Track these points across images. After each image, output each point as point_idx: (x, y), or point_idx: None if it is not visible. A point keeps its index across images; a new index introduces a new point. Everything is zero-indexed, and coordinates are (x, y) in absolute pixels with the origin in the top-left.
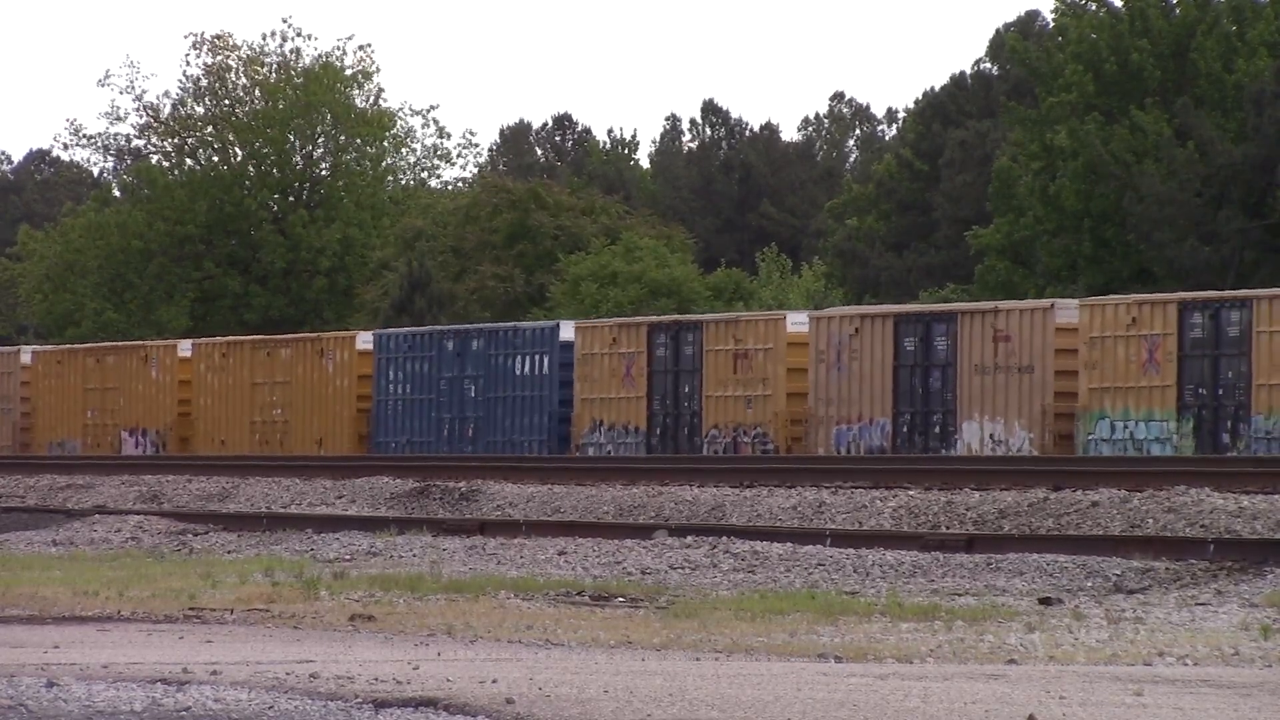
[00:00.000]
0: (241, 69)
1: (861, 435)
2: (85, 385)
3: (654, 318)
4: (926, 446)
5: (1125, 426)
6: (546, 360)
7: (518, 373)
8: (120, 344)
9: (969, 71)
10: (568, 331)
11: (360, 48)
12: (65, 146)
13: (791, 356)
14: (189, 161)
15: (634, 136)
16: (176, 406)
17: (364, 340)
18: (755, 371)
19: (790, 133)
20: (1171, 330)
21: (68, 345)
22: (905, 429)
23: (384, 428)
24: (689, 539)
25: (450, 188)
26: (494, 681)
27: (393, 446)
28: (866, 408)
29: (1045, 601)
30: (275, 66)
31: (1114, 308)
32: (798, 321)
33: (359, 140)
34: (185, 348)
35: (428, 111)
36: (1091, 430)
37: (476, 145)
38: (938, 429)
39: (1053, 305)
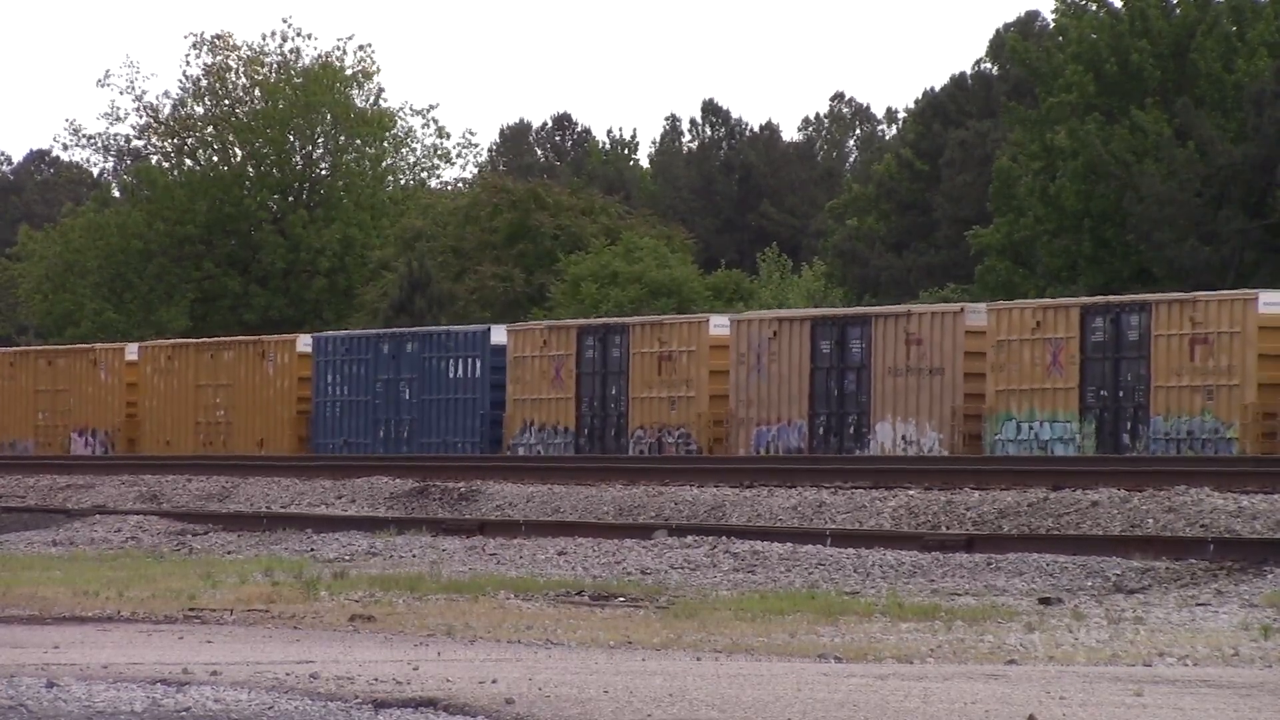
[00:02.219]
0: (241, 69)
1: (780, 436)
2: (37, 387)
3: (582, 320)
4: (841, 447)
5: (1030, 428)
6: (479, 363)
7: (451, 375)
8: (70, 346)
9: (969, 71)
10: (499, 335)
11: (360, 48)
12: (65, 147)
13: (714, 359)
14: (189, 162)
15: (634, 136)
16: (124, 408)
17: (303, 343)
18: (679, 373)
19: (790, 133)
20: (1074, 334)
21: (18, 348)
22: (821, 430)
23: (323, 429)
24: (689, 539)
25: (450, 188)
26: (494, 682)
27: (331, 447)
28: (785, 409)
29: (1045, 601)
30: (275, 66)
31: (1019, 312)
32: (719, 325)
33: (359, 140)
34: (132, 351)
35: (428, 111)
36: (998, 431)
37: (476, 145)
38: (852, 430)
39: (962, 309)
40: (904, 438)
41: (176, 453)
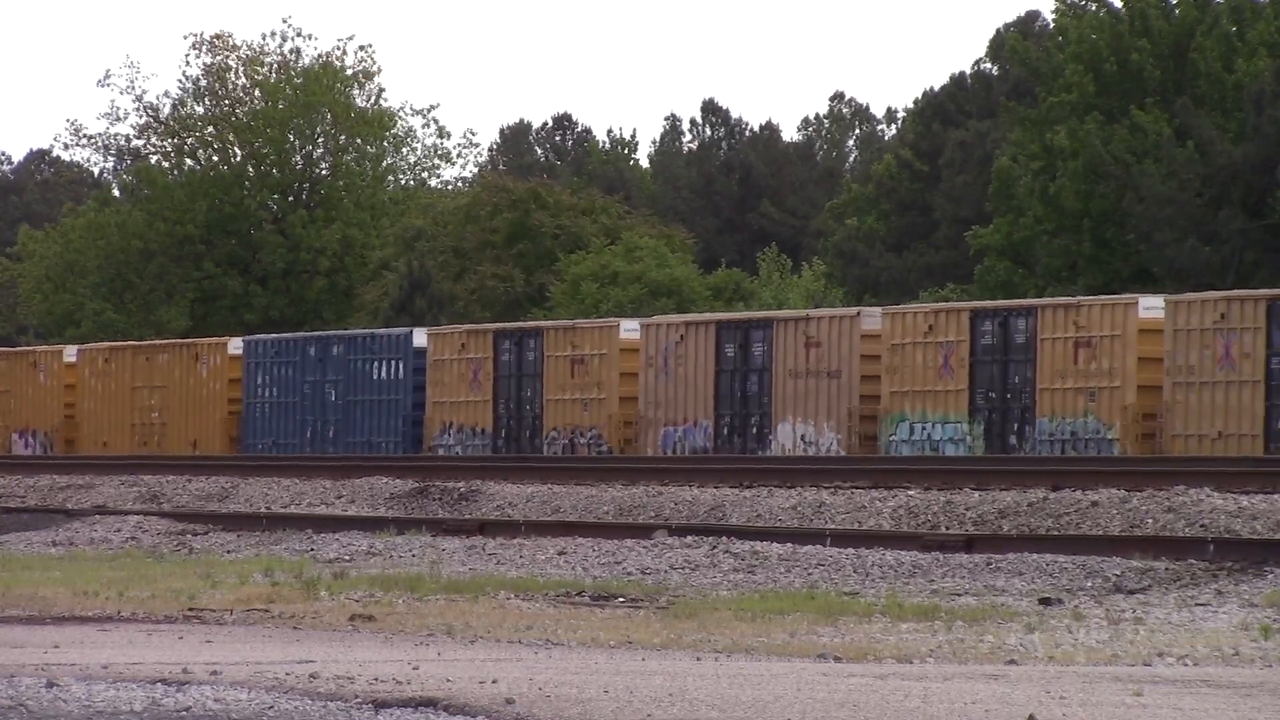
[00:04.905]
0: (241, 69)
1: (687, 436)
2: None
3: (498, 324)
4: (745, 447)
5: (923, 428)
6: (401, 365)
7: (375, 377)
8: (10, 349)
9: (969, 71)
10: (420, 338)
11: (361, 48)
12: (65, 146)
13: (624, 362)
14: (189, 162)
15: (634, 136)
16: (63, 409)
17: (234, 346)
18: (591, 376)
19: (790, 133)
20: (964, 337)
21: None
22: (725, 430)
23: (252, 429)
24: (689, 539)
25: (450, 187)
26: (494, 681)
27: (260, 447)
28: (691, 410)
29: (1045, 601)
30: (275, 67)
31: (912, 316)
32: (629, 329)
33: (359, 140)
34: (71, 353)
35: (428, 111)
36: (893, 432)
37: (476, 145)
38: (755, 430)
39: (859, 313)
40: (803, 438)
41: (113, 453)
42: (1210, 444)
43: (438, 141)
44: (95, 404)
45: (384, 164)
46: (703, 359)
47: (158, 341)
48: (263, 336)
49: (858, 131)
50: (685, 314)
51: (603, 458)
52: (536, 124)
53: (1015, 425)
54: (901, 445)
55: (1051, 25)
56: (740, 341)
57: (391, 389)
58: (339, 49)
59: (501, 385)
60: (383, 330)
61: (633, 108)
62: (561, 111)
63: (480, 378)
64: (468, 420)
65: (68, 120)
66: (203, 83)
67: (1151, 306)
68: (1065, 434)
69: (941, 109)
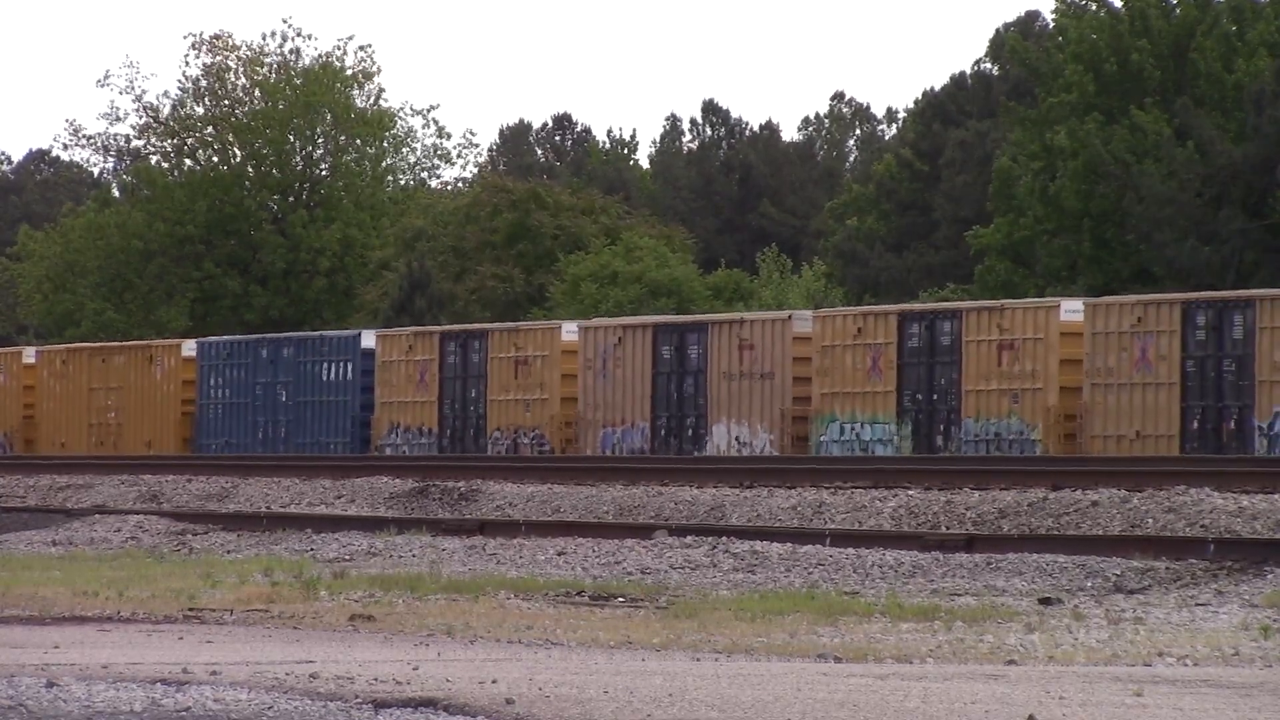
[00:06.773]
0: (241, 69)
1: (625, 437)
2: None
3: (445, 326)
4: (680, 448)
5: (853, 429)
6: (350, 367)
7: (324, 379)
8: None
9: (969, 71)
10: (369, 340)
11: (361, 48)
12: (65, 146)
13: (565, 364)
14: (188, 162)
15: (634, 136)
16: (22, 410)
17: (188, 348)
18: (533, 377)
19: (790, 133)
20: (892, 340)
21: None
22: (662, 431)
23: (206, 430)
24: (689, 539)
25: (450, 188)
26: (494, 682)
27: (213, 448)
28: (629, 411)
29: (1045, 601)
30: (275, 67)
31: (842, 319)
32: (571, 331)
33: (359, 140)
34: (30, 354)
35: (428, 111)
36: (823, 432)
37: (476, 145)
38: (690, 431)
39: (790, 316)
40: (738, 439)
41: (71, 453)
42: (1129, 444)
43: (437, 142)
44: (53, 405)
45: (384, 164)
46: (640, 361)
47: (112, 344)
48: (215, 339)
49: (858, 131)
50: (622, 316)
51: (604, 457)
52: (536, 124)
53: (942, 426)
54: (832, 445)
55: (1051, 25)
56: (676, 344)
57: (340, 390)
58: (339, 49)
59: (447, 386)
60: (332, 332)
61: (633, 108)
62: (561, 112)
63: (427, 379)
64: (414, 421)
65: (67, 120)
66: (202, 83)
67: (1072, 310)
68: (990, 435)
69: (941, 109)
